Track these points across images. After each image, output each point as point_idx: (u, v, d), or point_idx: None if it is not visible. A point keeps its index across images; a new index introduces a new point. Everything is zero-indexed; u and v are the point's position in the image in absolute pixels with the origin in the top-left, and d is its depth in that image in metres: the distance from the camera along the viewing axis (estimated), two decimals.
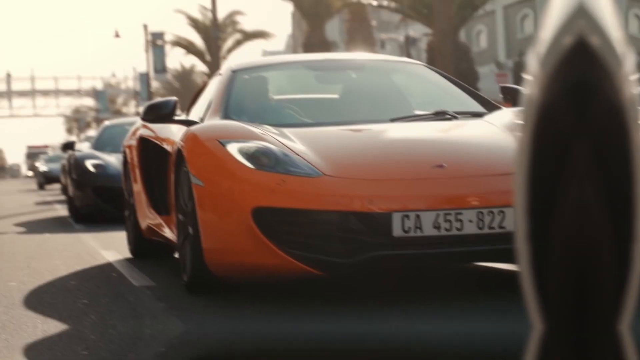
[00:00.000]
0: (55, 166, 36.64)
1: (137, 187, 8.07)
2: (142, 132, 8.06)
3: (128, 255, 8.86)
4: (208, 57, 50.28)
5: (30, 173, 77.68)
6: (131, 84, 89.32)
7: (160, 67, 55.65)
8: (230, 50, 50.40)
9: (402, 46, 53.32)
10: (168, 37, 54.25)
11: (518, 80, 32.79)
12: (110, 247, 9.88)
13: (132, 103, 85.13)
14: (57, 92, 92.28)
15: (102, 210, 14.34)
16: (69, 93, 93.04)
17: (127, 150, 8.51)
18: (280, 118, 6.70)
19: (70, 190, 15.60)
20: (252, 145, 5.66)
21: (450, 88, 7.27)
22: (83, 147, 16.30)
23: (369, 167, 5.57)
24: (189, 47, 51.37)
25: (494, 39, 52.76)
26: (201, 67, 63.37)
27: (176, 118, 6.98)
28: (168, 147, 7.06)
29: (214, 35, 38.51)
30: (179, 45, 51.85)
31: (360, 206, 5.29)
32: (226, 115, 6.65)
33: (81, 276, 7.43)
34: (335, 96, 7.43)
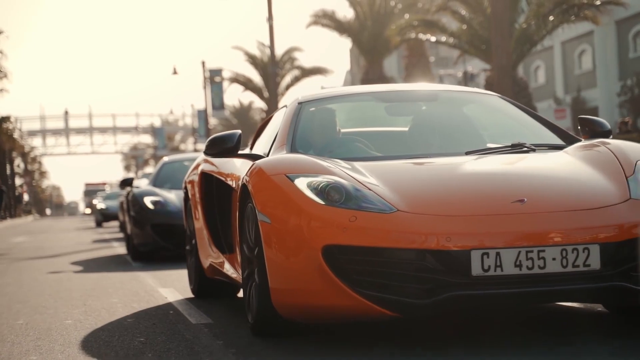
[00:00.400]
0: (113, 203, 36.78)
1: (199, 224, 7.87)
2: (204, 167, 7.83)
3: (186, 293, 8.74)
4: (266, 94, 50.46)
5: (88, 210, 78.33)
6: (189, 120, 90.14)
7: (218, 104, 55.96)
8: (288, 87, 50.51)
9: (460, 82, 53.15)
10: (226, 74, 54.58)
11: (575, 115, 32.50)
12: (168, 284, 9.80)
13: (190, 140, 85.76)
14: (114, 129, 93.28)
15: (160, 248, 14.03)
16: (126, 130, 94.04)
17: (189, 186, 8.30)
18: (349, 151, 6.43)
19: (129, 227, 15.32)
20: (322, 179, 5.41)
21: (527, 120, 6.95)
22: (141, 184, 16.01)
23: (445, 202, 5.29)
24: (247, 84, 51.58)
25: (551, 75, 52.39)
26: (259, 103, 63.69)
27: (241, 152, 6.74)
28: (232, 183, 6.91)
29: (272, 71, 38.58)
30: (236, 82, 52.07)
31: (437, 244, 5.03)
32: (293, 149, 6.39)
33: (138, 314, 7.33)
34: (405, 129, 7.07)
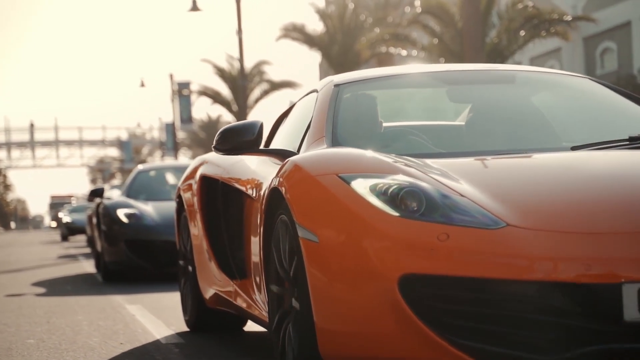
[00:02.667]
0: (80, 217, 36.26)
1: (198, 241, 6.35)
2: (206, 169, 6.40)
3: (155, 310, 8.40)
4: (235, 107, 50.10)
5: (54, 224, 77.58)
6: (156, 134, 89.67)
7: (186, 117, 55.53)
8: (257, 100, 50.16)
9: None
10: (194, 87, 54.16)
11: None
12: (135, 301, 9.47)
13: (158, 153, 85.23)
14: (81, 142, 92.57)
15: (135, 267, 12.52)
16: (93, 143, 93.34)
17: (184, 195, 6.72)
18: (406, 148, 4.87)
19: (99, 243, 13.82)
20: (390, 181, 3.88)
21: (630, 107, 5.42)
22: (113, 195, 14.36)
23: (577, 214, 3.75)
24: (216, 97, 51.19)
25: None
26: (227, 117, 63.36)
27: (264, 148, 5.37)
28: (248, 189, 5.49)
29: (242, 84, 38.28)
30: (205, 95, 51.68)
31: (570, 274, 3.53)
32: (335, 142, 4.86)
33: (105, 333, 6.98)
34: (461, 123, 5.51)
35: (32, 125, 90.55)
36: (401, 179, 3.90)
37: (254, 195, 5.32)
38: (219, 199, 6.14)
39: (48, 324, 7.66)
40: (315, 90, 5.61)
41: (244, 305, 5.56)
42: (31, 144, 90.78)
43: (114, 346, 6.24)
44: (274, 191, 4.41)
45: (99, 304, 9.26)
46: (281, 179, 4.33)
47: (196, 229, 6.38)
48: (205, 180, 6.33)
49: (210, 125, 69.66)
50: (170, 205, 12.57)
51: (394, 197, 3.79)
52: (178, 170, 14.94)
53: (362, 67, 45.36)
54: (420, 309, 3.62)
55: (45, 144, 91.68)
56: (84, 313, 8.42)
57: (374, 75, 5.66)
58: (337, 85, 5.38)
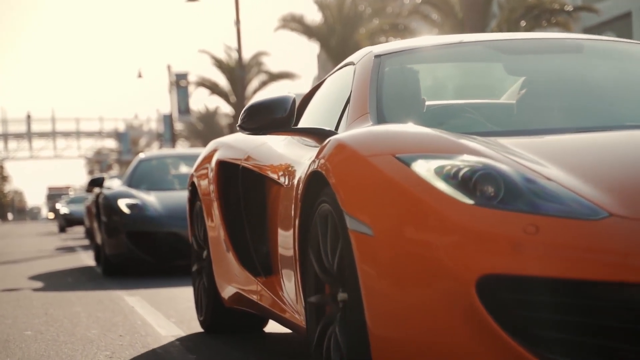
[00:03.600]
0: (78, 208, 36.18)
1: (215, 233, 5.70)
2: (223, 154, 5.78)
3: (155, 302, 8.27)
4: (233, 98, 49.99)
5: (51, 215, 77.42)
6: (154, 125, 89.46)
7: (183, 108, 55.39)
8: (255, 91, 50.06)
9: None
10: (192, 78, 54.04)
11: None
12: (134, 292, 9.33)
13: (155, 145, 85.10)
14: (78, 134, 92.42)
15: (137, 260, 11.89)
16: (90, 134, 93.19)
17: (199, 182, 6.10)
18: (461, 126, 4.24)
19: (99, 235, 13.21)
20: (460, 163, 3.25)
21: None
22: (114, 185, 13.59)
23: None
24: (214, 88, 51.08)
25: None
26: (225, 108, 63.21)
27: (298, 127, 4.66)
28: (275, 175, 4.90)
29: (240, 75, 38.13)
30: (203, 86, 51.57)
31: None
32: (382, 119, 4.25)
33: (103, 325, 6.84)
34: (510, 101, 4.79)
35: (29, 117, 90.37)
36: (472, 159, 3.25)
37: (283, 181, 4.69)
38: (239, 186, 5.49)
39: (46, 316, 7.53)
40: (351, 63, 4.96)
41: (270, 305, 4.92)
42: (28, 135, 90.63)
43: (113, 338, 6.11)
44: (314, 176, 3.79)
45: (97, 296, 9.13)
46: (324, 161, 3.68)
47: (213, 220, 5.74)
48: (223, 166, 5.70)
49: (208, 116, 69.52)
50: (174, 195, 12.36)
51: (466, 181, 3.16)
52: (181, 158, 14.58)
53: None
54: (504, 317, 2.99)
55: (43, 135, 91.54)
56: (82, 305, 8.29)
57: (417, 46, 4.99)
58: (377, 56, 4.72)
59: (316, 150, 3.96)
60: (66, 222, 38.57)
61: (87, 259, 16.35)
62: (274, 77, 50.37)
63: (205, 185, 5.92)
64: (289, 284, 4.42)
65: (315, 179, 3.80)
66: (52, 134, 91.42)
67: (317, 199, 3.79)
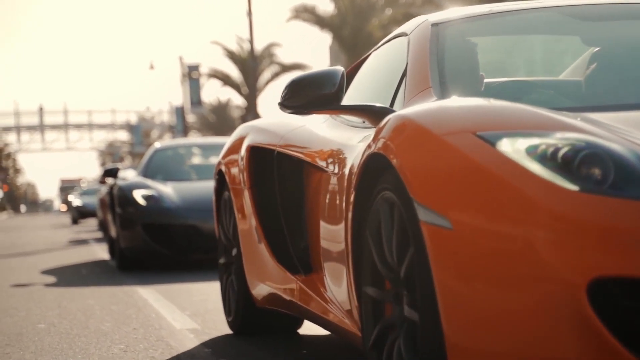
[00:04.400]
0: (91, 200, 36.15)
1: (247, 226, 5.15)
2: (255, 138, 5.20)
3: (168, 294, 8.20)
4: (245, 90, 49.97)
5: (64, 208, 77.46)
6: (166, 117, 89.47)
7: (195, 100, 55.35)
8: (267, 83, 50.03)
9: None
10: (204, 70, 54.00)
11: None
12: (148, 284, 9.26)
13: (167, 137, 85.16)
14: (90, 126, 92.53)
15: (153, 253, 11.33)
16: (102, 127, 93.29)
17: (227, 170, 5.53)
18: (534, 103, 3.48)
19: (113, 228, 12.68)
20: (557, 141, 2.72)
21: None
22: (128, 175, 12.94)
23: None
24: (225, 80, 51.05)
25: None
26: (237, 100, 63.20)
27: (349, 105, 4.05)
28: (317, 160, 4.37)
29: (252, 66, 38.07)
30: (215, 78, 51.55)
31: None
32: (446, 93, 3.73)
33: (117, 318, 6.78)
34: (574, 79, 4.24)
35: (41, 109, 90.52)
36: (572, 136, 2.71)
37: (328, 168, 4.17)
38: (274, 174, 4.93)
39: (59, 309, 7.47)
40: (403, 34, 4.41)
41: (311, 306, 4.41)
42: (40, 128, 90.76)
43: (127, 331, 6.04)
44: (373, 159, 3.28)
45: (110, 289, 9.07)
46: (385, 142, 3.15)
47: (244, 212, 5.18)
48: (255, 152, 5.13)
49: (220, 108, 69.53)
50: (192, 186, 12.00)
51: (568, 163, 2.63)
52: (198, 147, 14.15)
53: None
54: (622, 329, 2.51)
55: (55, 127, 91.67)
56: (95, 297, 8.22)
57: (478, 13, 4.35)
58: (435, 25, 4.18)
59: (370, 131, 3.52)
60: (79, 214, 38.56)
61: (101, 251, 16.26)
62: (286, 68, 50.31)
63: (235, 173, 5.35)
64: (335, 283, 3.94)
65: (374, 163, 3.29)
66: (65, 126, 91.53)
67: (377, 186, 3.29)
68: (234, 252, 5.49)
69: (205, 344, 5.42)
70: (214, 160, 13.50)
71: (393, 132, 3.15)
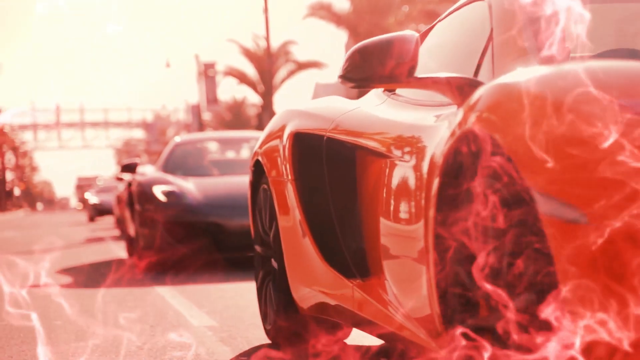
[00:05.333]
0: (107, 197, 36.06)
1: (290, 223, 4.50)
2: (300, 124, 4.55)
3: (186, 291, 8.12)
4: (261, 87, 49.91)
5: (80, 206, 77.57)
6: (182, 115, 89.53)
7: (211, 98, 55.31)
8: (283, 80, 49.94)
9: None
10: (220, 68, 53.98)
11: None
12: (165, 280, 9.19)
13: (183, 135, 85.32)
14: (106, 124, 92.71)
15: (174, 252, 10.68)
16: (118, 125, 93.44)
17: (266, 161, 4.83)
18: None
19: (132, 226, 12.15)
20: None
21: None
22: (147, 171, 12.22)
23: None
24: (241, 77, 51.00)
25: None
26: (252, 99, 63.21)
27: (427, 75, 3.40)
28: (380, 146, 3.74)
29: (268, 63, 38.00)
30: (231, 75, 51.51)
31: None
32: (545, 58, 3.15)
33: (134, 314, 6.68)
34: None
35: (58, 107, 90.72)
36: None
37: (393, 154, 3.56)
38: (323, 164, 4.26)
39: (75, 306, 7.38)
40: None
41: (369, 314, 3.80)
42: (57, 126, 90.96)
43: (144, 329, 5.97)
44: (466, 138, 2.71)
45: (126, 285, 8.99)
46: (483, 115, 2.59)
47: (286, 208, 4.55)
48: (300, 139, 4.51)
49: (236, 106, 69.48)
50: (214, 182, 11.41)
51: None
52: (220, 141, 13.65)
53: None
54: None
55: (71, 125, 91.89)
56: (112, 294, 8.15)
57: None
58: None
59: (446, 110, 3.10)
60: (96, 212, 38.37)
61: (117, 249, 16.16)
62: (301, 66, 50.22)
63: (276, 164, 4.67)
64: (403, 288, 3.41)
65: (466, 144, 2.72)
66: (81, 125, 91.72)
67: (471, 173, 2.74)
68: (274, 252, 4.85)
69: (224, 342, 5.33)
70: (237, 155, 13.15)
71: (495, 104, 2.56)
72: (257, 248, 5.18)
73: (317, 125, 4.41)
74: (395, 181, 3.48)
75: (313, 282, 4.37)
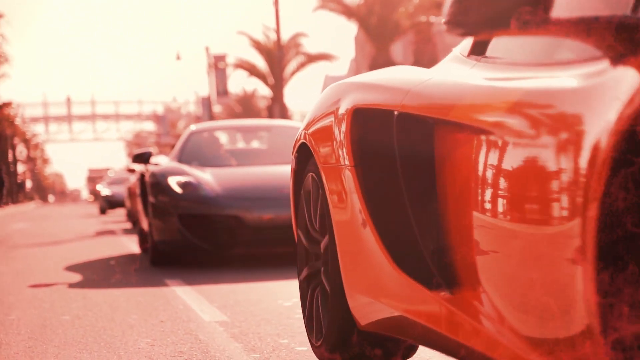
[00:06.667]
0: (119, 189, 35.89)
1: (347, 217, 3.62)
2: (362, 98, 3.64)
3: (197, 285, 8.01)
4: (271, 80, 49.79)
5: (91, 198, 77.46)
6: (192, 108, 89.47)
7: (222, 91, 55.20)
8: (293, 73, 49.80)
9: None
10: (230, 60, 53.85)
11: None
12: (175, 274, 9.06)
13: None
14: (117, 116, 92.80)
15: (190, 247, 9.99)
16: (129, 117, 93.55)
17: (315, 144, 4.00)
18: None
19: (145, 219, 11.45)
20: None
21: None
22: (161, 160, 11.53)
23: None
24: (252, 70, 50.89)
25: None
26: (262, 91, 63.11)
27: (569, 16, 2.63)
28: (477, 125, 2.75)
29: (279, 54, 37.85)
30: (241, 68, 51.40)
31: None
32: None
33: (144, 309, 6.58)
34: None
35: (69, 100, 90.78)
36: None
37: (508, 130, 2.54)
38: (394, 146, 3.29)
39: (84, 300, 7.29)
40: None
41: (465, 338, 2.85)
42: (68, 118, 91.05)
43: (154, 324, 5.84)
44: None
45: (137, 279, 8.89)
46: None
47: (344, 200, 3.68)
48: (363, 117, 3.63)
49: (246, 98, 69.39)
50: (233, 172, 10.67)
51: None
52: (238, 130, 13.02)
53: (401, 39, 44.81)
54: None
55: (83, 118, 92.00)
56: (121, 288, 8.04)
57: None
58: None
59: (586, 68, 2.30)
60: (108, 204, 38.00)
61: (129, 242, 16.01)
62: (311, 58, 50.07)
63: (330, 147, 3.84)
64: (524, 304, 2.52)
65: None
66: (92, 117, 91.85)
67: None
68: (325, 254, 3.99)
69: (236, 338, 5.20)
70: (256, 144, 12.64)
71: None
72: (303, 244, 4.32)
73: (385, 98, 3.47)
74: (509, 165, 2.56)
75: (378, 291, 3.47)
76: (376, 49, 41.99)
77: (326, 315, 3.97)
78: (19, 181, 76.15)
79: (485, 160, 2.71)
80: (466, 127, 2.83)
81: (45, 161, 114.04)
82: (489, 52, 3.19)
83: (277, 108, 42.62)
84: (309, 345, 4.84)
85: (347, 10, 41.50)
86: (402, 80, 3.46)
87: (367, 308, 3.58)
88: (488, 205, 2.67)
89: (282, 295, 7.03)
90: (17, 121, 69.95)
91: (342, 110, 3.76)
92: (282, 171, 10.35)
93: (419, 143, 3.15)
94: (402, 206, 3.27)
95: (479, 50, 3.25)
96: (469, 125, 2.81)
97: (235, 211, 9.92)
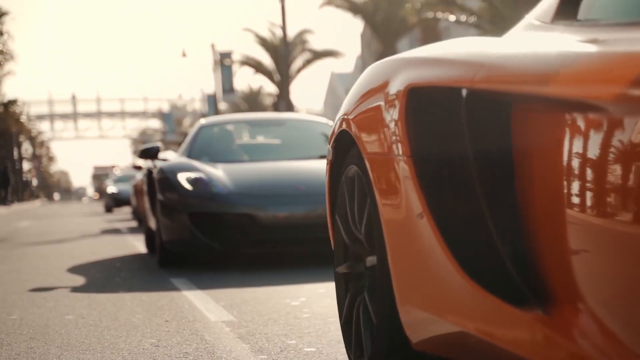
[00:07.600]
0: (126, 187, 35.72)
1: (401, 215, 2.99)
2: (419, 75, 2.96)
3: (202, 284, 7.88)
4: (277, 77, 49.69)
5: (96, 195, 77.36)
6: (198, 105, 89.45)
7: (227, 88, 55.12)
8: (299, 70, 49.70)
9: None
10: (236, 57, 53.78)
11: None
12: (180, 273, 8.95)
13: None
14: (123, 114, 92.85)
15: (201, 246, 9.42)
16: (135, 115, 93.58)
17: (361, 131, 3.39)
18: None
19: (152, 217, 10.96)
20: None
21: None
22: (170, 156, 11.12)
23: None
24: (258, 67, 50.79)
25: None
26: (268, 88, 62.99)
27: None
28: (586, 103, 2.11)
29: (285, 52, 37.74)
30: (247, 65, 51.31)
31: None
32: None
33: (148, 309, 6.46)
34: None
35: (74, 97, 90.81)
36: None
37: (621, 112, 1.99)
38: (464, 131, 2.69)
39: (88, 299, 7.17)
40: None
41: None
42: (74, 116, 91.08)
43: (159, 324, 5.71)
44: None
45: (141, 278, 8.77)
46: None
47: (397, 195, 3.02)
48: (421, 97, 2.95)
49: (252, 95, 69.29)
50: (244, 168, 10.14)
51: None
52: (248, 124, 12.32)
53: (407, 35, 44.68)
54: None
55: (88, 115, 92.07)
56: (125, 287, 7.92)
57: None
58: None
59: None
60: (114, 202, 37.76)
61: (134, 240, 15.86)
62: (318, 55, 49.98)
63: (379, 134, 3.19)
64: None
65: None
66: (97, 115, 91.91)
67: None
68: (370, 259, 3.42)
69: (243, 338, 5.08)
70: (268, 139, 11.90)
71: None
72: (338, 255, 3.85)
73: (450, 74, 2.82)
74: (624, 150, 1.99)
75: (440, 304, 2.84)
76: (383, 45, 41.89)
77: (372, 331, 3.37)
78: (24, 179, 76.17)
79: (590, 145, 2.13)
80: (567, 103, 2.22)
81: (51, 159, 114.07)
82: (582, 15, 2.72)
83: (283, 105, 42.51)
84: (318, 346, 4.72)
85: (353, 6, 41.41)
86: (471, 52, 2.84)
87: (423, 324, 2.97)
88: (591, 202, 2.11)
89: (290, 294, 6.90)
90: (23, 119, 69.96)
91: (393, 91, 3.12)
92: (298, 167, 9.95)
93: (497, 127, 2.58)
94: (474, 203, 2.66)
95: (568, 12, 2.77)
96: (572, 100, 2.20)
97: (248, 209, 9.39)
